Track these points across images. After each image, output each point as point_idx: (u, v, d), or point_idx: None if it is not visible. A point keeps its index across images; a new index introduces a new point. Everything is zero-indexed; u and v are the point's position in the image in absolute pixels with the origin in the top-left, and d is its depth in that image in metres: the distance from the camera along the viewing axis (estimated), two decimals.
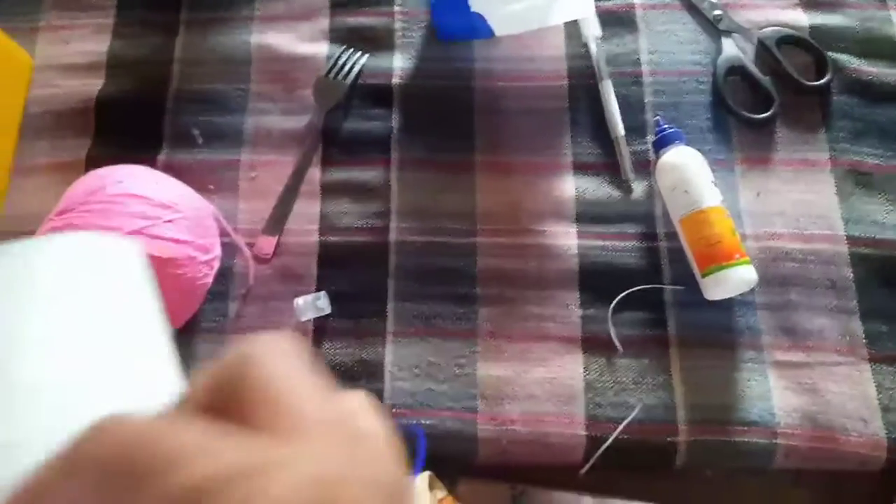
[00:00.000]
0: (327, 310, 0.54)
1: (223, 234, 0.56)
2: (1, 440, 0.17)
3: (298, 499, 0.14)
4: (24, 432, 0.18)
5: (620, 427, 0.50)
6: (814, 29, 0.60)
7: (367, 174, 0.59)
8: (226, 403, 0.16)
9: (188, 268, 0.50)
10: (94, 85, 0.63)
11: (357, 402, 0.18)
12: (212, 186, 0.59)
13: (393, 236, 0.57)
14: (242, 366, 0.16)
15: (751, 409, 0.50)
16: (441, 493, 0.49)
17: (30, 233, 0.58)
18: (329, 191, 0.59)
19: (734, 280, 0.50)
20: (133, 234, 0.47)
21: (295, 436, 0.16)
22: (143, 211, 0.48)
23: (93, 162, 0.60)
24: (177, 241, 0.49)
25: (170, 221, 0.49)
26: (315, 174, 0.59)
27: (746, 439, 0.49)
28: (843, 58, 0.58)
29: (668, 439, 0.50)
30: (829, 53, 0.58)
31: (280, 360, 0.17)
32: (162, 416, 0.16)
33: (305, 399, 0.16)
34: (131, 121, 0.62)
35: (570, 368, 0.52)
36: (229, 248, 0.56)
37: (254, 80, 0.62)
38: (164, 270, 0.48)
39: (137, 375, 0.21)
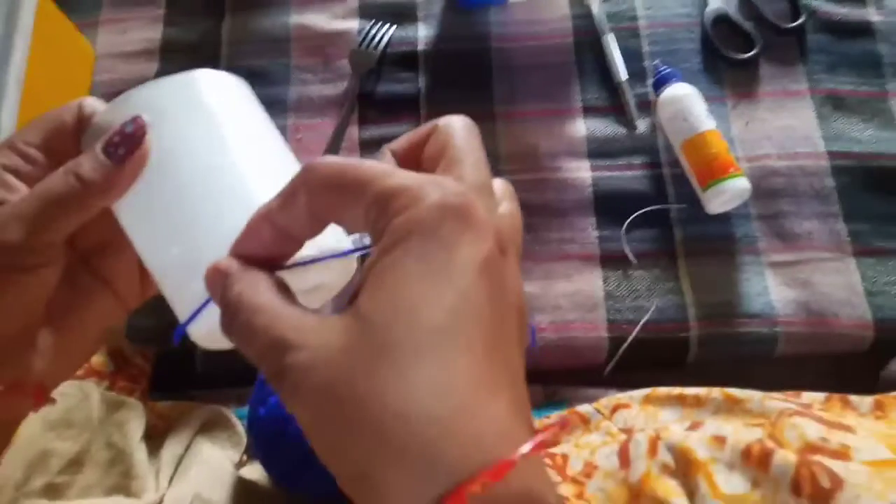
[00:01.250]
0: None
1: None
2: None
3: (447, 202, 0.20)
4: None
5: (638, 326, 0.57)
6: None
7: (400, 129, 0.66)
8: (421, 149, 0.24)
9: None
10: (149, 68, 0.71)
11: (501, 183, 0.25)
12: None
13: None
14: (443, 125, 0.24)
15: (752, 303, 0.57)
16: None
17: None
18: (367, 146, 0.66)
19: (731, 190, 0.57)
20: None
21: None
22: None
23: None
24: None
25: None
26: (353, 132, 0.67)
27: (751, 329, 0.56)
28: (815, 3, 0.66)
29: (681, 335, 0.57)
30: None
31: (467, 133, 0.24)
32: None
33: (472, 165, 0.23)
34: None
35: (591, 281, 0.59)
36: None
37: (294, 54, 0.70)
38: None
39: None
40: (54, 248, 0.28)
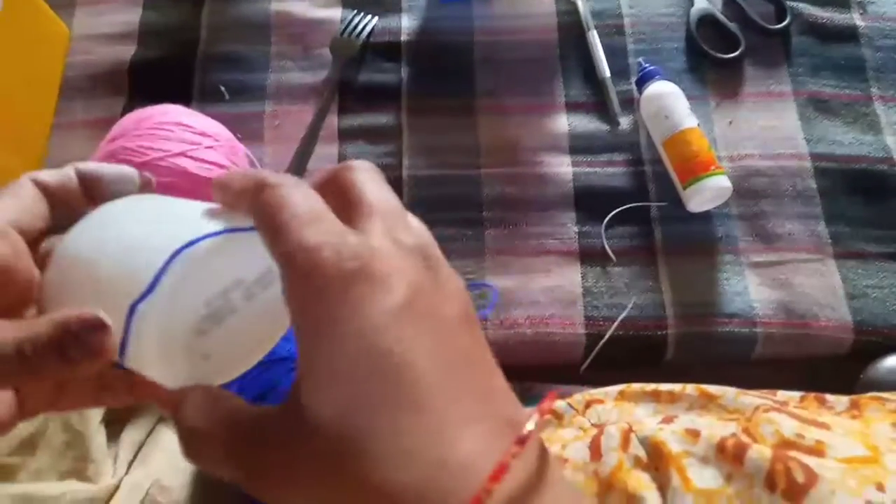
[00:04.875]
0: None
1: None
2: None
3: (344, 268, 0.20)
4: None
5: (616, 322, 0.56)
6: None
7: (380, 119, 0.65)
8: (328, 189, 0.23)
9: None
10: (127, 51, 0.70)
11: (416, 223, 0.23)
12: (239, 135, 0.64)
13: (405, 172, 0.63)
14: (346, 169, 0.23)
15: (731, 303, 0.56)
16: None
17: None
18: (346, 135, 0.65)
19: (712, 188, 0.56)
20: (178, 156, 0.53)
21: (362, 221, 0.22)
22: (186, 137, 0.54)
23: None
24: (217, 164, 0.55)
25: (210, 148, 0.55)
26: (333, 121, 0.66)
27: (729, 329, 0.55)
28: (800, 5, 0.66)
29: (659, 333, 0.56)
30: (787, 2, 0.66)
31: (368, 174, 0.23)
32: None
33: (375, 201, 0.22)
34: (162, 80, 0.68)
35: (570, 277, 0.58)
36: None
37: (274, 41, 0.69)
38: (206, 189, 0.54)
39: None
40: None
